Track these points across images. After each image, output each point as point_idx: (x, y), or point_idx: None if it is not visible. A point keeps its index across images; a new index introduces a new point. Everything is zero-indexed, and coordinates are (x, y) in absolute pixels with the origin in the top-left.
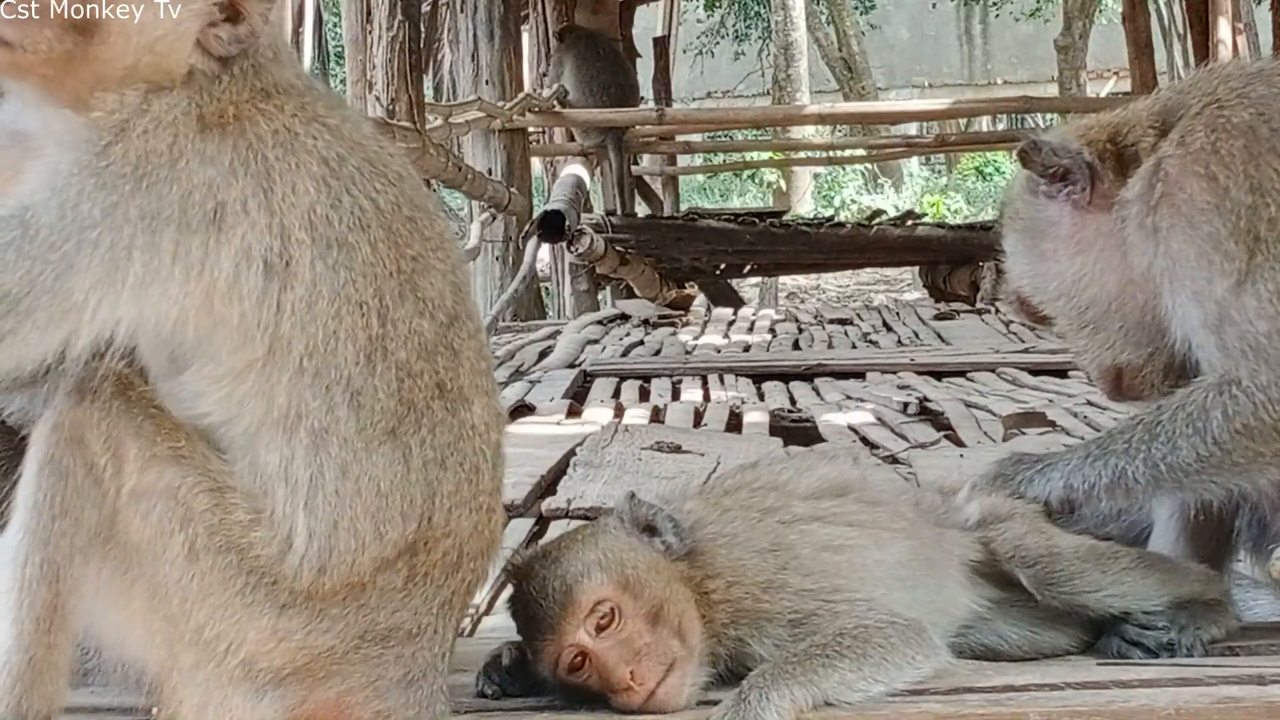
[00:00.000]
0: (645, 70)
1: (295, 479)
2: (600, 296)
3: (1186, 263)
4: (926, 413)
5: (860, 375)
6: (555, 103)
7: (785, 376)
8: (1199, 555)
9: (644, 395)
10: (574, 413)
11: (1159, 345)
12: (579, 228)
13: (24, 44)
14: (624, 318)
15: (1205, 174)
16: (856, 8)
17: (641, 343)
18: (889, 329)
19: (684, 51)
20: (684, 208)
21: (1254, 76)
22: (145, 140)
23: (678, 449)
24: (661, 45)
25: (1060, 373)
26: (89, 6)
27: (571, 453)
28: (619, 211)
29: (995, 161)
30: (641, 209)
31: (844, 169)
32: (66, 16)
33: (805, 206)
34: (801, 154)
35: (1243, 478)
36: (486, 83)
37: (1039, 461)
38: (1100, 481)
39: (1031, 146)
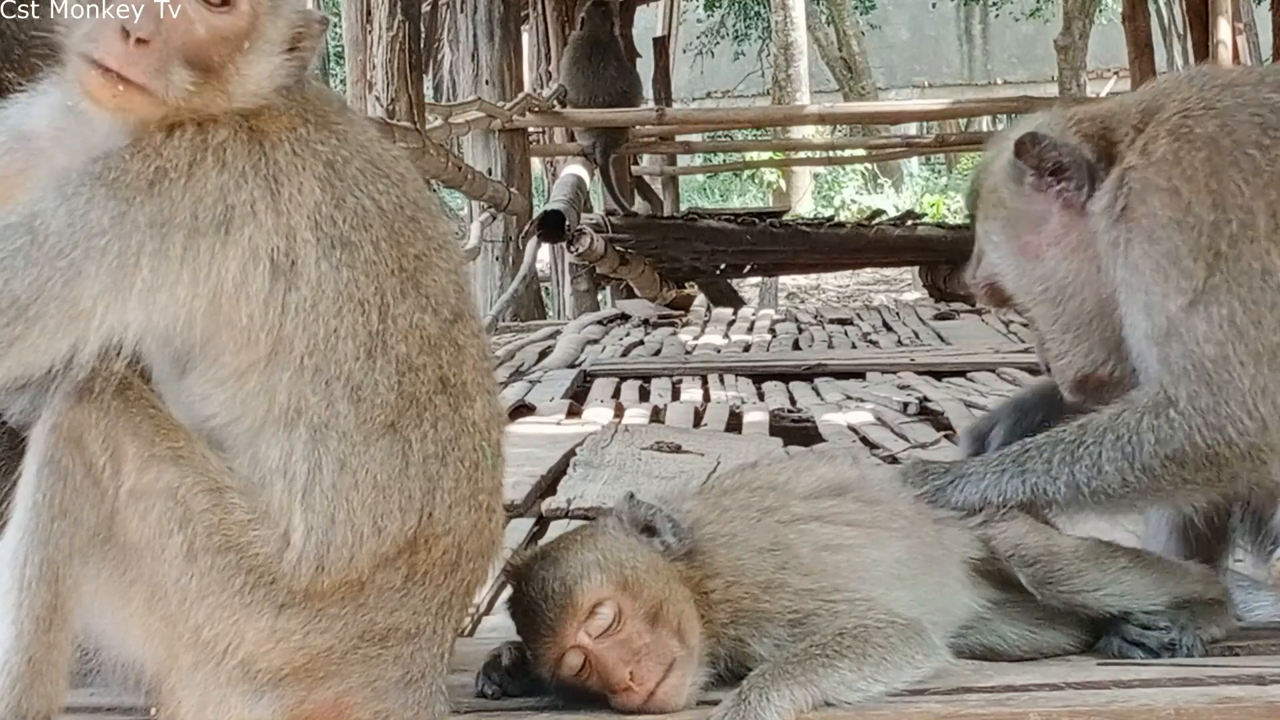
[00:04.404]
0: (645, 70)
1: (293, 473)
2: (600, 296)
3: (1142, 275)
4: (926, 413)
5: (860, 375)
6: (555, 103)
7: (785, 376)
8: (1194, 553)
9: (644, 395)
10: (574, 413)
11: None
12: (579, 228)
13: (159, 90)
14: (624, 318)
15: (1168, 188)
16: (856, 8)
17: (641, 343)
18: (889, 329)
19: (684, 51)
20: (684, 208)
21: (1224, 87)
22: (161, 153)
23: (678, 449)
24: (661, 45)
25: None
26: (219, 52)
27: (571, 453)
28: (619, 212)
29: None
30: (641, 209)
31: (844, 169)
32: (198, 64)
33: (805, 206)
34: (801, 154)
35: (1167, 502)
36: (486, 83)
37: (947, 472)
38: (1016, 498)
39: (1030, 138)
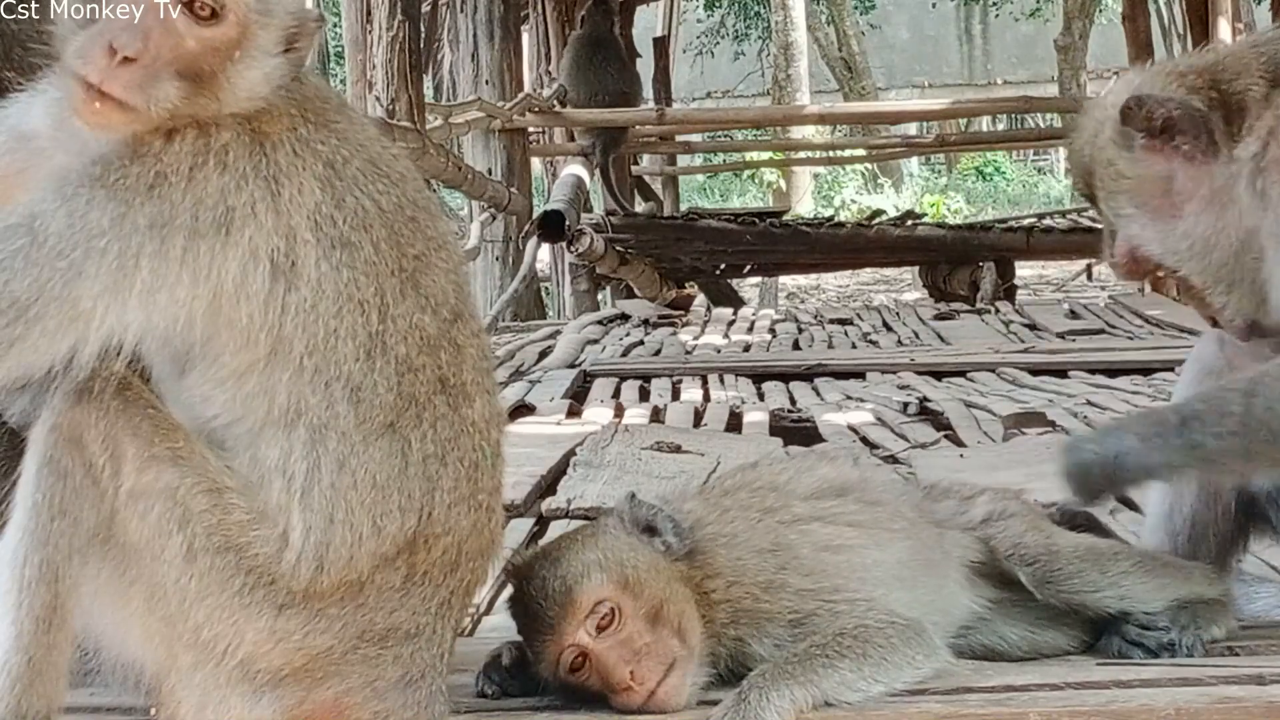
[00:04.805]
0: (645, 70)
1: (292, 473)
2: (600, 296)
3: None
4: (926, 413)
5: (860, 375)
6: (555, 103)
7: (785, 376)
8: (1206, 545)
9: (644, 395)
10: (574, 413)
11: None
12: (579, 228)
13: (140, 105)
14: (624, 318)
15: None
16: (856, 8)
17: (641, 343)
18: (889, 329)
19: (684, 51)
20: (684, 208)
21: None
22: (161, 157)
23: (678, 449)
24: (661, 45)
25: (1060, 373)
26: (210, 63)
27: (571, 453)
28: (619, 212)
29: (995, 161)
30: (645, 209)
31: (844, 169)
32: (189, 75)
33: (805, 206)
34: (801, 154)
35: None
36: (486, 83)
37: (1103, 446)
38: (1187, 469)
39: (1135, 101)
